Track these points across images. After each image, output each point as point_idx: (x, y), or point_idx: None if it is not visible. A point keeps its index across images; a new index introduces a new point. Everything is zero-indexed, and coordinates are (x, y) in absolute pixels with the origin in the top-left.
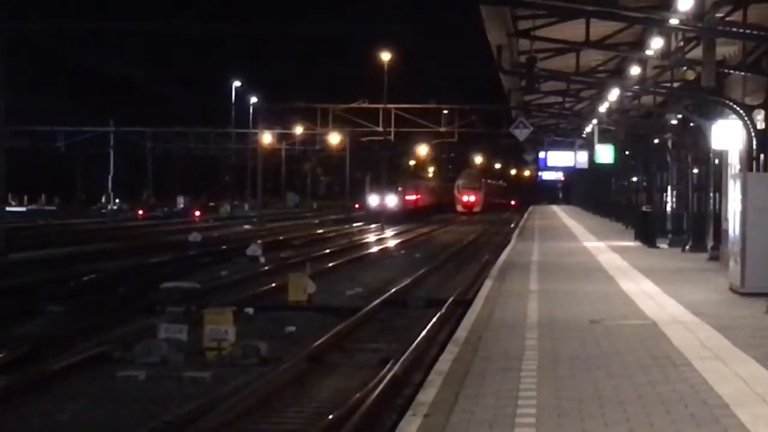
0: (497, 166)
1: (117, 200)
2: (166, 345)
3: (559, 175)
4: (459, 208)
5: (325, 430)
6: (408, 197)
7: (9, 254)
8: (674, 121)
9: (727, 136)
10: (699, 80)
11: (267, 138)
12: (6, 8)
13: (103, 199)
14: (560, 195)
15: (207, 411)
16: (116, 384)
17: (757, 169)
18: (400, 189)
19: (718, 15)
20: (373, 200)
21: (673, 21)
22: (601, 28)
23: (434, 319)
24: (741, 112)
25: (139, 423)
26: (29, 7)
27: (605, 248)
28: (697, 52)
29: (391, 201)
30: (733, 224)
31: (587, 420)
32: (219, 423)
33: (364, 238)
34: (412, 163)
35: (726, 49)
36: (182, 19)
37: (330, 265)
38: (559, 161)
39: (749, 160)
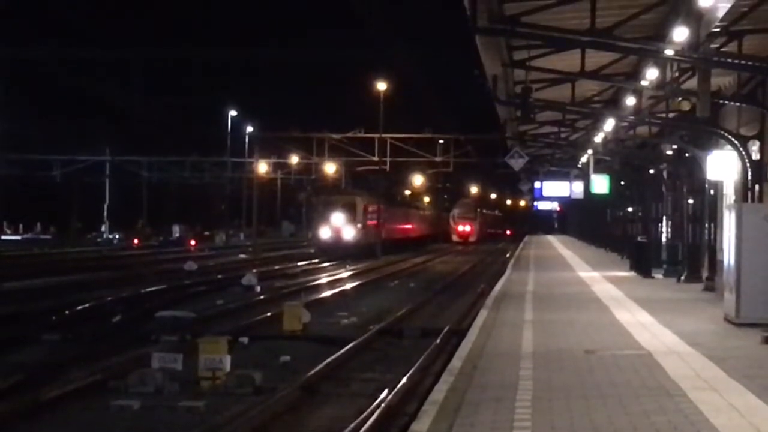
0: (493, 195)
1: (107, 230)
2: (160, 374)
3: (554, 205)
4: (454, 237)
5: None
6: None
7: (3, 282)
8: (669, 152)
9: (723, 166)
10: (694, 111)
11: (263, 167)
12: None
13: (103, 228)
14: (556, 225)
15: None
16: (110, 413)
17: (752, 200)
18: (358, 218)
19: (713, 46)
20: (324, 232)
21: (669, 52)
22: (596, 58)
23: (429, 349)
24: (736, 142)
25: None
26: (23, 34)
27: (600, 278)
28: (692, 83)
29: (349, 232)
30: (729, 255)
31: None
32: None
33: (359, 268)
34: (407, 192)
35: (721, 80)
36: (178, 48)
37: (325, 294)
38: (554, 191)
39: (744, 191)
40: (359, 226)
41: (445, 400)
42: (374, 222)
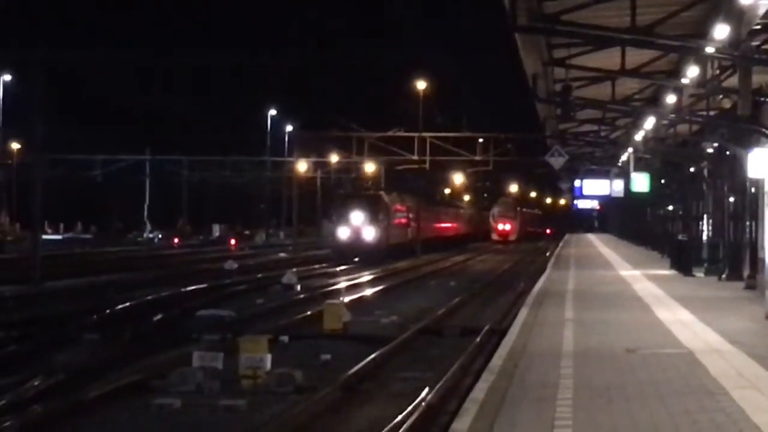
0: (532, 194)
1: (149, 229)
2: (201, 373)
3: (594, 204)
4: (494, 236)
5: None
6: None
7: (45, 282)
8: (710, 150)
9: (764, 164)
10: (735, 108)
11: (302, 166)
12: (44, 39)
13: (148, 226)
14: (596, 223)
15: None
16: (152, 412)
17: None
18: (381, 217)
19: (754, 43)
20: (342, 232)
21: (709, 49)
22: (636, 56)
23: (470, 348)
24: None
25: None
26: (67, 38)
27: (641, 277)
28: (733, 81)
29: (369, 233)
30: None
31: None
32: None
33: (399, 266)
34: (447, 191)
35: (762, 77)
36: (218, 50)
37: (365, 293)
38: (594, 190)
39: None
40: (383, 226)
41: (486, 398)
42: (404, 221)
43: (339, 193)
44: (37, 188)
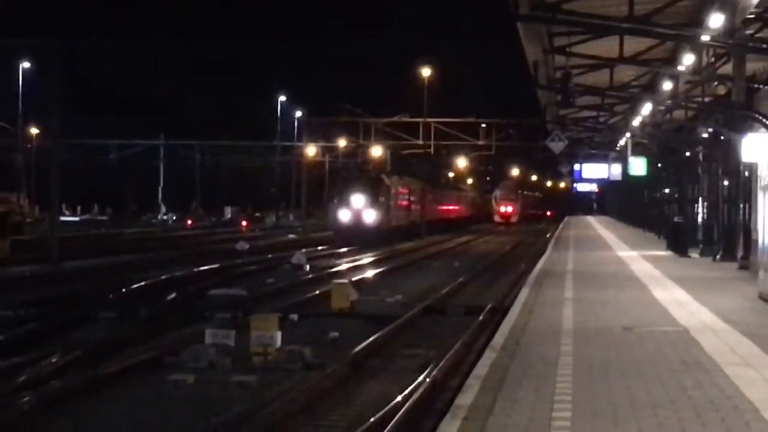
0: (533, 178)
1: (164, 211)
2: (213, 350)
3: (593, 187)
4: (496, 218)
5: None
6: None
7: (63, 262)
8: (705, 135)
9: (757, 149)
10: (729, 95)
11: (311, 151)
12: (58, 28)
13: (163, 209)
14: (594, 206)
15: (253, 414)
16: (166, 388)
17: None
18: (383, 199)
19: (748, 32)
20: (343, 214)
21: (705, 38)
22: (634, 44)
23: (473, 327)
24: None
25: (189, 425)
26: (82, 27)
27: (638, 257)
28: (727, 68)
29: (370, 216)
30: (763, 234)
31: (621, 424)
32: (265, 425)
33: (404, 247)
34: (451, 175)
35: (756, 65)
36: (231, 39)
37: (371, 273)
38: (593, 173)
39: None
40: (384, 208)
41: (489, 375)
42: (406, 203)
43: (341, 175)
44: (55, 172)
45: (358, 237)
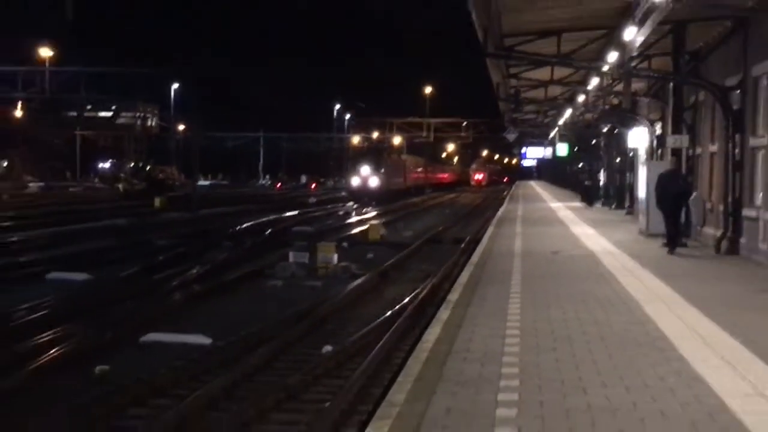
0: (496, 157)
1: (262, 178)
2: (294, 265)
3: (533, 162)
4: (472, 183)
5: (391, 317)
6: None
7: (199, 210)
8: (605, 129)
9: (638, 138)
10: (621, 104)
11: (355, 139)
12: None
13: (261, 176)
14: (535, 174)
15: (320, 305)
16: (265, 289)
17: (655, 159)
18: (383, 170)
19: (633, 64)
20: (354, 180)
21: (605, 68)
22: (560, 71)
23: (458, 251)
24: (646, 123)
25: (281, 312)
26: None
27: (562, 207)
28: (619, 87)
29: (374, 181)
30: (641, 192)
31: (552, 308)
32: (328, 312)
33: (415, 200)
34: (444, 155)
35: (637, 85)
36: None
37: (393, 217)
38: (534, 154)
39: (651, 153)
40: (383, 176)
41: (468, 281)
42: (401, 173)
43: (352, 151)
44: (195, 152)
45: (364, 197)
